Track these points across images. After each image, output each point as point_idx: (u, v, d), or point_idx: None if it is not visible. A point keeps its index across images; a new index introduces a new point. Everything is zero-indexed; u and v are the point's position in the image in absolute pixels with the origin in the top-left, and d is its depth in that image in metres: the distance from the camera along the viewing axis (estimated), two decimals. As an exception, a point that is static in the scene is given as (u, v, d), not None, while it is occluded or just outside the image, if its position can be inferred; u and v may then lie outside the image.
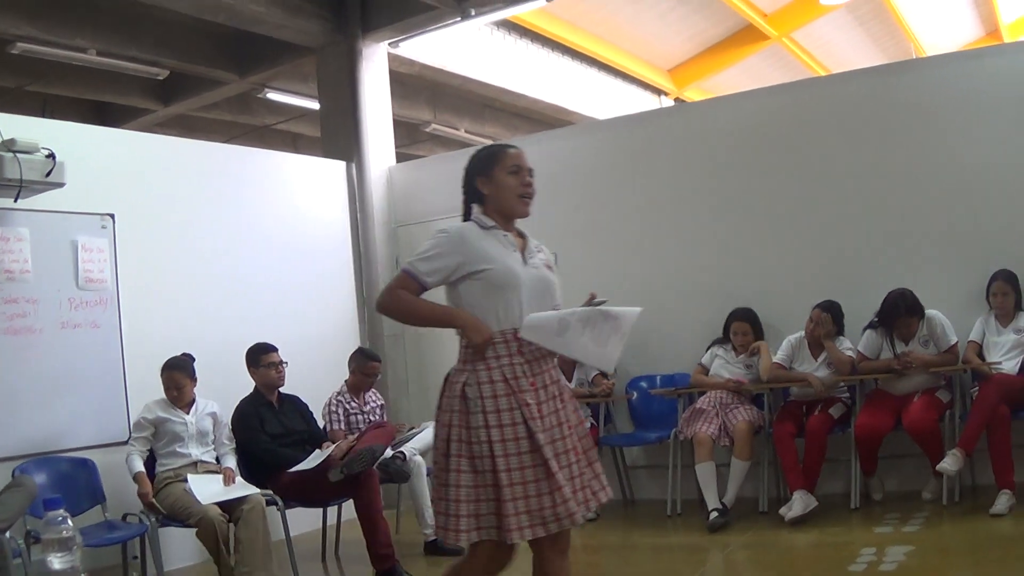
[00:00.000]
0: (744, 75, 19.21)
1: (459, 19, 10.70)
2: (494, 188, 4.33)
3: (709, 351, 8.79)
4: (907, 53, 20.11)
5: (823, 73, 19.68)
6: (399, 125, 12.84)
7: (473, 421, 4.05)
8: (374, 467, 7.52)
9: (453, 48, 13.47)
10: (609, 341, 4.21)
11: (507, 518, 3.95)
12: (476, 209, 4.40)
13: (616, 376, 9.20)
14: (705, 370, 8.71)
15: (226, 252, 9.20)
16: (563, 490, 4.01)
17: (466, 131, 15.98)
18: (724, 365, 8.64)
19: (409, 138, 15.80)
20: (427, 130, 15.64)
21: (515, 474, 3.98)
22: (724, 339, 8.78)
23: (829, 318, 8.20)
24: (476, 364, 4.13)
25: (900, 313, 7.86)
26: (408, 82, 13.88)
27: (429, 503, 7.39)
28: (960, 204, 8.36)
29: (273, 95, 14.10)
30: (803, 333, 8.35)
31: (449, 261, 4.16)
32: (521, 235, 4.45)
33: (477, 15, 10.72)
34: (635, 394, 9.31)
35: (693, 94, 19.48)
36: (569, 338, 4.12)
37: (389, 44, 11.27)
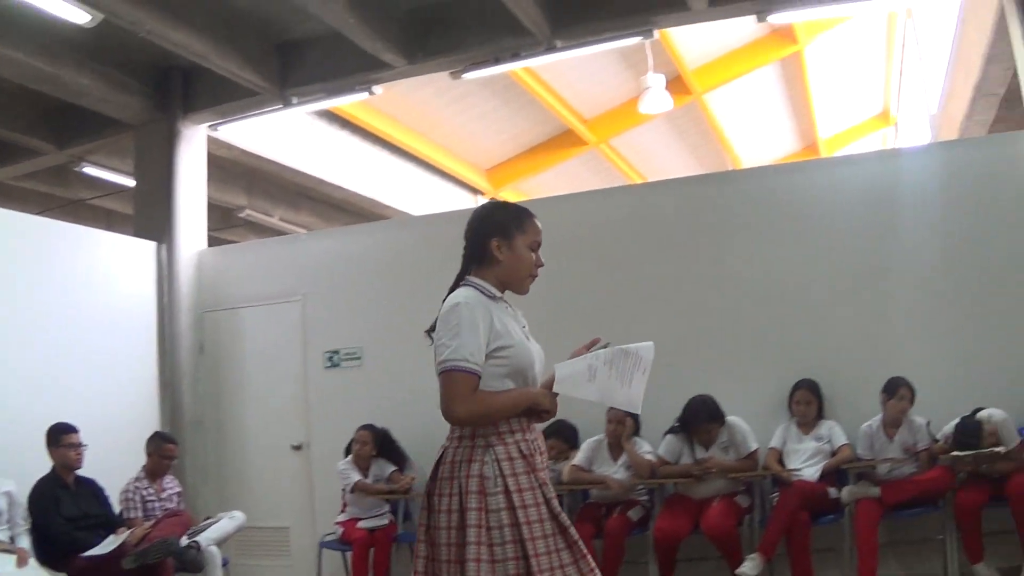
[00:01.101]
0: (561, 178, 19.45)
1: (280, 106, 10.70)
2: (511, 258, 3.99)
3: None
4: (724, 164, 20.62)
5: (639, 180, 20.05)
6: (213, 208, 12.75)
7: (492, 503, 3.66)
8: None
9: (272, 135, 13.44)
10: (634, 379, 3.97)
11: None
12: (473, 273, 4.05)
13: (414, 473, 9.14)
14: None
15: (29, 326, 8.97)
16: (596, 573, 3.75)
17: (280, 219, 15.90)
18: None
19: (223, 222, 15.66)
20: (241, 215, 15.50)
21: (544, 559, 3.63)
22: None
23: (630, 420, 8.29)
24: (490, 439, 3.78)
25: (701, 419, 8.00)
26: (225, 166, 13.78)
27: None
28: (766, 313, 8.60)
29: (90, 169, 13.77)
30: (603, 435, 8.43)
31: (483, 336, 3.77)
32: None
33: (299, 104, 10.74)
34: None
35: (509, 195, 19.57)
36: (599, 383, 3.91)
37: (209, 126, 11.21)
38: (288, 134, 13.88)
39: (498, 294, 3.98)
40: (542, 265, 4.09)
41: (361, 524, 8.72)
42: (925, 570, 8.15)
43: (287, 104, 10.69)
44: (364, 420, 9.22)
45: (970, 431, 7.43)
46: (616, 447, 8.34)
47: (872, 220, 8.75)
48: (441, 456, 3.88)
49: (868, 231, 8.74)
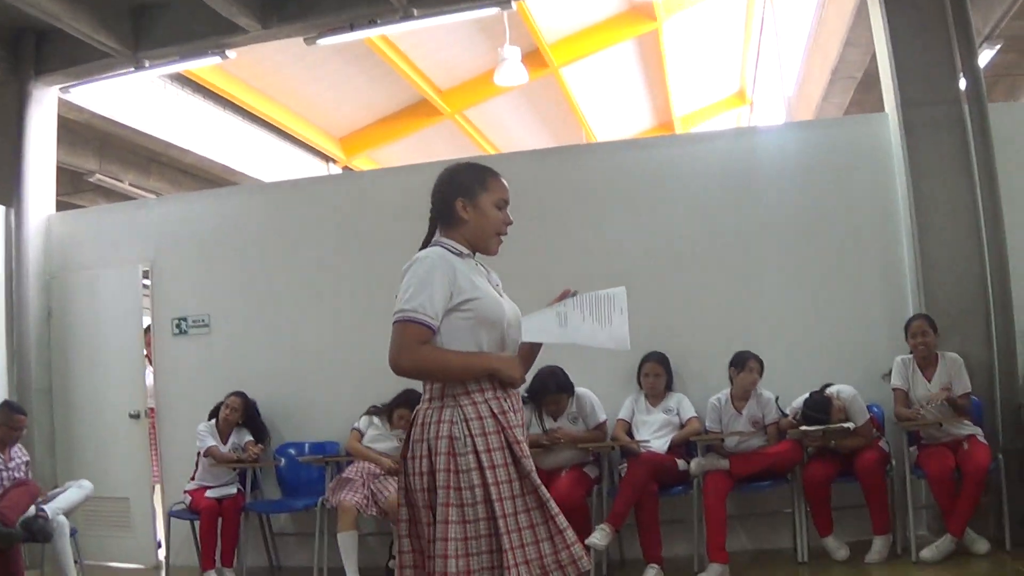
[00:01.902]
0: (415, 148, 19.37)
1: (132, 69, 10.46)
2: (477, 217, 3.95)
3: (365, 417, 8.70)
4: (579, 138, 20.72)
5: (493, 151, 20.06)
6: (63, 172, 12.48)
7: (463, 464, 3.60)
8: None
9: (125, 98, 13.17)
10: (613, 320, 3.91)
11: (508, 570, 3.53)
12: (441, 233, 4.00)
13: (266, 441, 9.10)
14: (360, 436, 8.59)
15: None
16: (566, 533, 3.69)
17: (131, 184, 15.56)
18: (377, 437, 8.57)
19: (72, 187, 15.26)
20: (91, 180, 15.12)
21: (513, 520, 3.60)
22: (380, 410, 8.72)
23: None
24: (460, 400, 3.71)
25: (550, 390, 7.99)
26: (76, 129, 13.43)
27: (72, 564, 7.15)
28: (618, 284, 8.62)
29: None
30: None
31: (444, 292, 3.70)
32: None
33: (152, 67, 10.50)
34: (283, 460, 9.13)
35: (362, 163, 19.54)
36: (572, 327, 3.88)
37: (61, 89, 10.91)
38: (141, 98, 13.64)
39: (466, 251, 3.93)
40: (510, 223, 4.07)
41: (209, 493, 8.60)
42: (775, 543, 8.33)
43: (140, 67, 10.45)
44: (213, 388, 9.10)
45: (819, 406, 7.57)
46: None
47: (726, 197, 8.87)
48: (414, 418, 3.81)
49: (722, 207, 8.86)
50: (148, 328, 9.91)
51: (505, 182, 4.07)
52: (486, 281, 3.91)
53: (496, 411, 3.73)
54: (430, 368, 3.72)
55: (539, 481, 3.73)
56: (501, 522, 3.56)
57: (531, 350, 4.07)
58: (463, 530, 3.54)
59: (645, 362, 8.26)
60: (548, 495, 3.73)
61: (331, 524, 8.26)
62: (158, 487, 9.74)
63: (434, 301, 3.66)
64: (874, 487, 7.49)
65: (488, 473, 3.60)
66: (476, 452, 3.62)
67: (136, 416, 9.41)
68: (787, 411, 7.96)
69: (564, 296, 4.09)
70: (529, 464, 3.74)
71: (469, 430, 3.65)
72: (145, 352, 9.82)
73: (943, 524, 7.37)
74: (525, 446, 3.80)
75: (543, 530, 3.67)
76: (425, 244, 4.00)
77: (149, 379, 9.74)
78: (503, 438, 3.70)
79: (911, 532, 7.42)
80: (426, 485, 3.65)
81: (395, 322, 3.70)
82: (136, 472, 9.48)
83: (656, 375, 8.23)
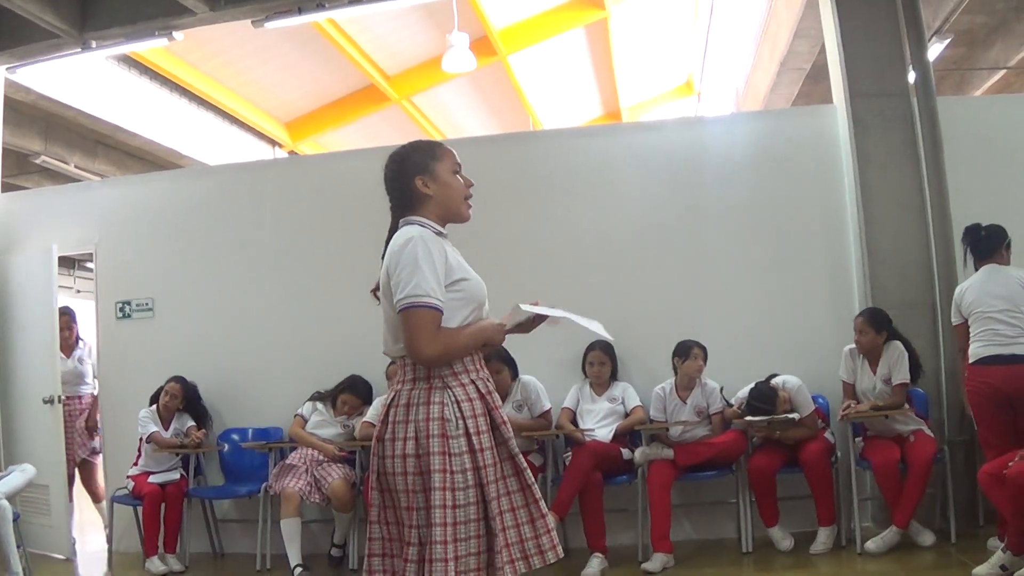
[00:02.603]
0: (362, 133, 19.36)
1: (79, 50, 10.33)
2: (441, 188, 3.85)
3: (309, 403, 8.67)
4: (525, 126, 20.73)
5: (439, 138, 20.01)
6: (8, 154, 12.31)
7: (454, 447, 3.52)
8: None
9: (71, 79, 13.04)
10: (592, 323, 3.88)
11: (498, 553, 3.50)
12: (411, 214, 3.85)
13: (208, 425, 9.04)
14: (303, 422, 8.55)
15: None
16: (547, 519, 3.70)
17: (76, 166, 15.43)
18: (321, 423, 8.53)
19: (17, 168, 15.12)
20: (37, 162, 14.98)
21: (503, 501, 3.58)
22: (324, 396, 8.70)
23: None
24: (448, 381, 3.62)
25: (489, 359, 7.96)
26: (22, 110, 13.31)
27: (15, 550, 7.07)
28: (562, 273, 8.63)
29: None
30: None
31: (440, 271, 3.60)
32: None
33: (99, 48, 10.38)
34: (226, 446, 9.09)
35: (308, 148, 19.46)
36: (558, 311, 3.82)
37: (7, 69, 10.77)
38: (88, 79, 13.52)
39: (443, 231, 3.85)
40: (472, 185, 3.98)
41: (152, 479, 8.53)
42: (719, 533, 8.35)
43: (87, 48, 10.31)
44: (156, 372, 8.99)
45: (764, 396, 7.58)
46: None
47: (673, 186, 8.88)
48: (393, 399, 3.71)
49: (669, 197, 8.87)
50: (66, 311, 9.76)
51: (451, 147, 3.99)
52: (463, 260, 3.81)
53: (483, 391, 3.69)
54: (451, 351, 3.62)
55: (524, 464, 3.72)
56: (490, 505, 3.52)
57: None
58: (453, 515, 3.47)
59: (590, 351, 8.25)
60: (532, 478, 3.72)
61: (274, 511, 8.22)
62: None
63: (440, 282, 3.59)
64: (819, 478, 7.52)
65: (478, 456, 3.56)
66: (468, 435, 3.57)
67: (50, 401, 9.24)
68: (732, 401, 7.98)
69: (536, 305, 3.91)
70: (514, 445, 3.72)
71: (460, 412, 3.58)
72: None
73: (888, 516, 7.42)
74: (510, 427, 3.77)
75: (524, 513, 3.66)
76: (391, 234, 3.86)
77: (68, 364, 9.59)
78: (489, 419, 3.67)
79: (856, 523, 7.45)
80: (410, 469, 3.54)
81: (406, 308, 3.57)
82: (52, 459, 9.30)
83: (601, 363, 8.22)
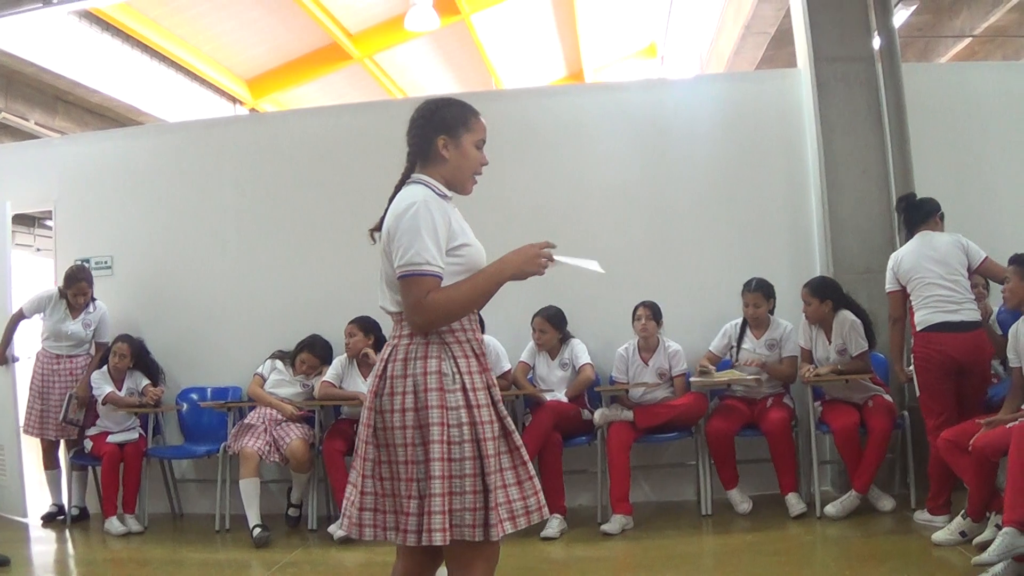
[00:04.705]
0: (323, 91, 19.30)
1: (40, 5, 10.21)
2: (458, 157, 3.78)
3: (269, 362, 8.63)
4: (487, 86, 20.68)
5: (402, 97, 19.96)
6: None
7: (450, 400, 3.49)
8: None
9: (32, 35, 12.92)
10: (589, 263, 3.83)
11: (493, 510, 3.46)
12: (420, 169, 3.79)
13: (166, 386, 8.98)
14: (262, 381, 8.51)
15: None
16: (534, 480, 3.67)
17: (36, 123, 15.28)
18: (280, 382, 8.51)
19: (-24, 126, 15.03)
20: (-4, 118, 14.89)
21: (490, 461, 3.51)
22: (284, 355, 8.67)
23: (362, 336, 8.23)
24: (444, 336, 3.59)
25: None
26: (-19, 67, 13.23)
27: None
28: (525, 236, 8.52)
29: None
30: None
31: (442, 237, 3.55)
32: None
33: (59, 3, 10.26)
34: (184, 405, 9.08)
35: (269, 105, 19.37)
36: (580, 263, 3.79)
37: (-32, 26, 10.67)
38: (48, 35, 13.40)
39: (448, 193, 3.78)
40: (487, 163, 3.92)
41: (111, 438, 8.50)
42: (679, 495, 8.41)
43: (47, 3, 10.20)
44: (115, 330, 8.96)
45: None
46: (365, 364, 8.25)
47: (636, 148, 8.91)
48: (390, 354, 3.63)
49: (632, 158, 8.90)
50: (79, 275, 9.65)
51: (484, 121, 3.91)
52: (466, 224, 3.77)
53: (477, 351, 3.67)
54: (446, 312, 3.55)
55: (512, 426, 3.69)
56: (487, 462, 3.49)
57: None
58: (449, 468, 3.45)
59: (534, 318, 8.22)
60: (520, 440, 3.70)
61: (233, 471, 8.19)
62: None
63: (441, 249, 3.53)
64: (782, 447, 7.56)
65: (475, 412, 3.52)
66: (464, 390, 3.53)
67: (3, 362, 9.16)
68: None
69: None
70: (502, 408, 3.68)
71: (458, 367, 3.55)
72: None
73: (847, 480, 7.47)
74: (498, 389, 3.74)
75: (511, 475, 3.62)
76: (403, 180, 3.81)
77: (72, 326, 9.42)
78: (483, 379, 3.63)
79: (815, 488, 7.50)
80: (409, 422, 3.50)
81: (406, 276, 3.52)
82: (3, 420, 9.23)
83: (542, 331, 8.19)
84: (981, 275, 6.97)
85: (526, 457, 3.69)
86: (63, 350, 8.88)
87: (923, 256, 6.89)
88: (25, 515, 9.01)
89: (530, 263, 3.69)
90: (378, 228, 3.80)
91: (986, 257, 6.84)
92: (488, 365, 3.73)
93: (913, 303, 6.94)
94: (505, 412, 3.69)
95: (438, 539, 3.39)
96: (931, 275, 6.80)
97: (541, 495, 3.67)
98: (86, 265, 9.06)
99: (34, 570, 7.39)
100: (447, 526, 3.41)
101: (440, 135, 3.75)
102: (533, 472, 3.67)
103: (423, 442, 3.48)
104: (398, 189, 3.76)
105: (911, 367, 7.08)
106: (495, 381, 3.74)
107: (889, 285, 7.14)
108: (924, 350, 6.80)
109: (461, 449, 3.47)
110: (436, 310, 3.50)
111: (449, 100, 3.88)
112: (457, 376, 3.53)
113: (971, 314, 6.74)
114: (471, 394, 3.53)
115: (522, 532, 3.62)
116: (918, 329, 6.86)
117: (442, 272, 3.51)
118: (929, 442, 6.79)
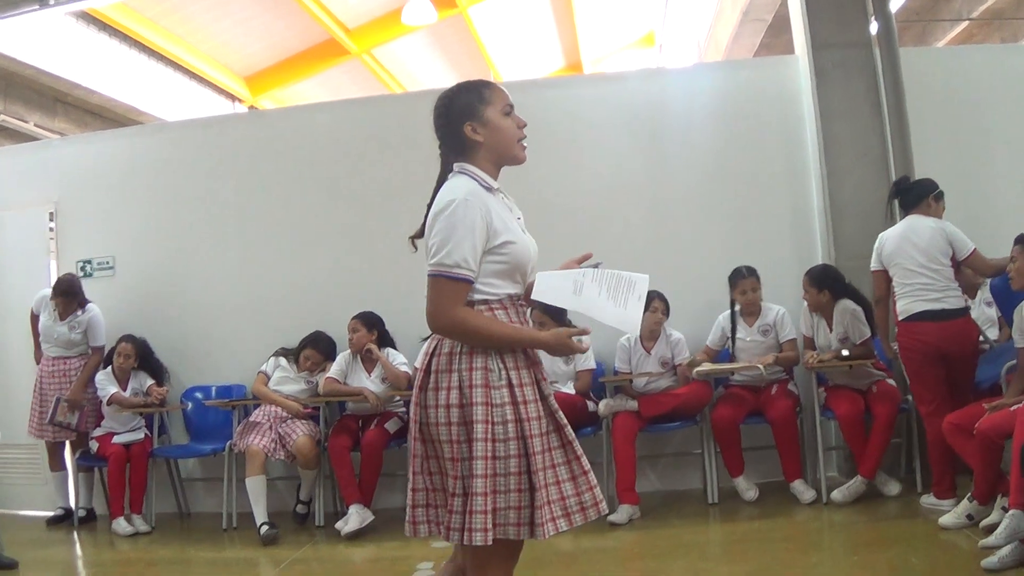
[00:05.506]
0: (322, 87, 19.29)
1: (37, 7, 10.21)
2: (492, 133, 3.68)
3: (272, 359, 8.64)
4: (485, 78, 20.67)
5: (401, 91, 19.94)
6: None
7: (495, 397, 3.40)
8: None
9: (30, 37, 12.93)
10: (628, 302, 3.66)
11: (539, 509, 3.37)
12: (463, 159, 3.69)
13: (170, 385, 8.98)
14: (266, 379, 8.52)
15: None
16: (589, 475, 3.55)
17: (36, 125, 15.28)
18: (284, 379, 8.52)
19: (-25, 128, 15.03)
20: (-5, 121, 14.90)
21: (545, 457, 3.44)
22: (288, 352, 8.67)
23: (365, 332, 8.24)
24: None
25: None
26: (-20, 70, 13.23)
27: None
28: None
29: None
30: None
31: (480, 238, 3.44)
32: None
33: (56, 4, 10.27)
34: (189, 404, 9.08)
35: (269, 102, 19.36)
36: (586, 297, 3.61)
37: (-34, 27, 10.67)
38: (47, 37, 13.41)
39: (495, 184, 3.68)
40: (525, 124, 3.81)
41: (116, 439, 8.51)
42: (685, 484, 8.41)
43: (44, 4, 10.21)
44: (118, 331, 8.94)
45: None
46: (369, 360, 8.30)
47: (636, 138, 8.89)
48: (435, 348, 3.56)
49: (631, 148, 8.88)
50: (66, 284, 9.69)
51: (502, 87, 3.80)
52: (514, 219, 3.68)
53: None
54: (467, 333, 3.46)
55: (564, 420, 3.59)
56: (534, 459, 3.40)
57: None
58: (493, 466, 3.37)
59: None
60: (573, 435, 3.60)
61: (239, 469, 8.21)
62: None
63: (476, 251, 3.43)
64: (787, 435, 7.58)
65: (521, 409, 3.43)
66: (511, 386, 3.45)
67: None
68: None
69: (585, 260, 3.81)
70: (553, 402, 3.60)
71: (504, 363, 3.48)
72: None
73: (853, 466, 7.49)
74: (548, 384, 3.67)
75: (565, 470, 3.53)
76: (441, 179, 3.72)
77: (61, 328, 9.47)
78: (531, 374, 3.56)
79: (821, 474, 7.51)
80: (454, 419, 3.43)
81: (434, 276, 3.44)
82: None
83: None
84: (968, 267, 6.96)
85: (580, 451, 3.58)
86: (54, 352, 8.89)
87: (906, 241, 6.92)
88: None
89: (562, 348, 3.62)
90: (419, 235, 3.71)
91: (974, 249, 6.84)
92: (539, 358, 3.68)
93: (896, 290, 6.98)
94: (556, 406, 3.60)
95: (478, 539, 3.33)
96: (911, 262, 6.84)
97: (597, 490, 3.57)
98: (76, 277, 9.06)
99: (43, 573, 7.40)
100: (488, 526, 3.34)
101: (464, 122, 3.67)
102: (588, 467, 3.58)
103: (468, 439, 3.41)
104: (440, 182, 3.69)
105: (895, 343, 7.13)
106: (545, 375, 3.67)
107: (873, 264, 7.19)
108: (907, 340, 6.85)
109: (506, 447, 3.40)
110: (455, 328, 3.45)
111: (458, 86, 3.79)
112: (503, 372, 3.46)
113: (954, 302, 6.77)
114: (517, 390, 3.46)
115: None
116: (900, 319, 6.91)
117: (473, 276, 3.44)
118: (925, 428, 6.84)
